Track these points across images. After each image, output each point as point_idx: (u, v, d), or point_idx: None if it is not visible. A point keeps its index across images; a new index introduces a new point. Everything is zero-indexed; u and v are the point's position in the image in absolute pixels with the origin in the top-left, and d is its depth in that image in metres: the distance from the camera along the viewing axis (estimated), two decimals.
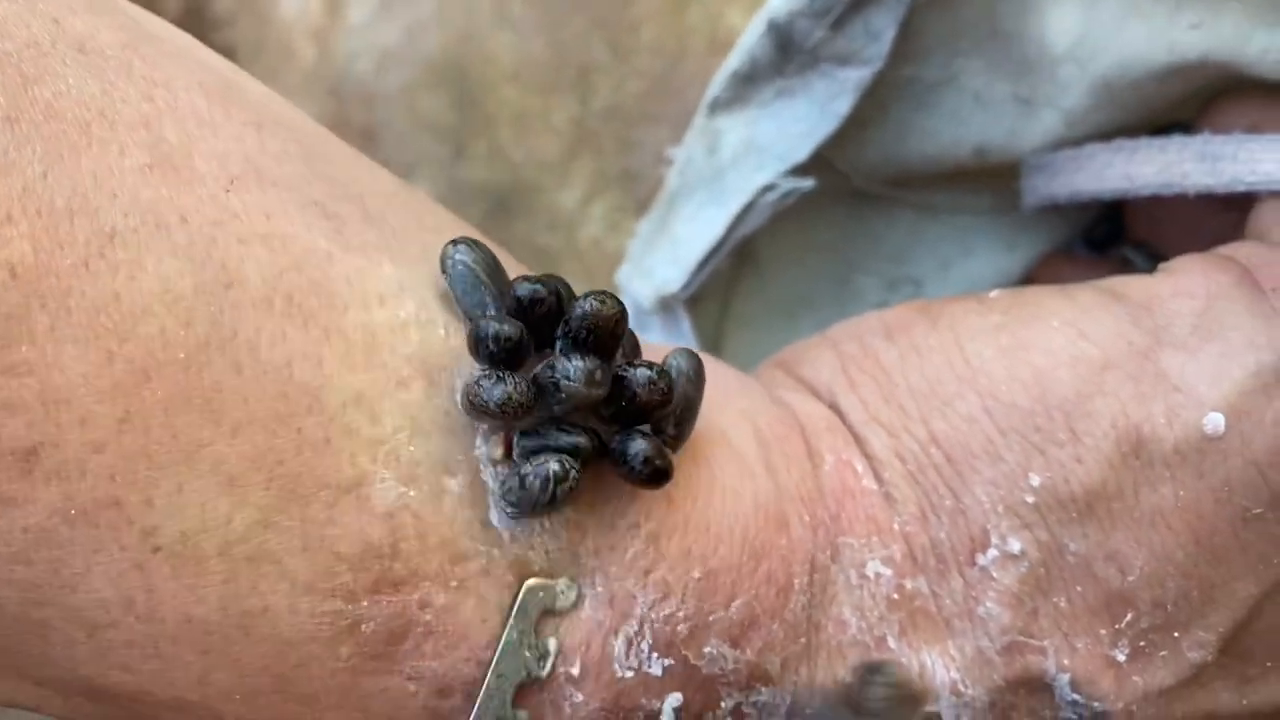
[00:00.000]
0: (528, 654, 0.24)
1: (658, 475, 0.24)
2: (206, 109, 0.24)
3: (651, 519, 0.25)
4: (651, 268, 0.36)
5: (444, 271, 0.25)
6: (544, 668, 0.24)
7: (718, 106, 0.35)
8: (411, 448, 0.23)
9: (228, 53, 0.73)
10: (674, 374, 0.25)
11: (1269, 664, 0.28)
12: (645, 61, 0.52)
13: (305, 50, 0.64)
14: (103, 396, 0.21)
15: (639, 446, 0.24)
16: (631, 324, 0.37)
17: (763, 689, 0.26)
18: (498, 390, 0.23)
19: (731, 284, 0.39)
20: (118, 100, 0.22)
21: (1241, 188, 0.29)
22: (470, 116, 0.57)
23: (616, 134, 0.54)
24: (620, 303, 0.24)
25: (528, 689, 0.24)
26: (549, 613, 0.24)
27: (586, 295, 0.24)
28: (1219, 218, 0.32)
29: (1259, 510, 0.26)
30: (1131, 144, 0.32)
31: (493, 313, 0.24)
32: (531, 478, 0.23)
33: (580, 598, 0.25)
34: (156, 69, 0.24)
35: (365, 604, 0.23)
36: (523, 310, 0.24)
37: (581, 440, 0.24)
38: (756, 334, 0.39)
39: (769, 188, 0.34)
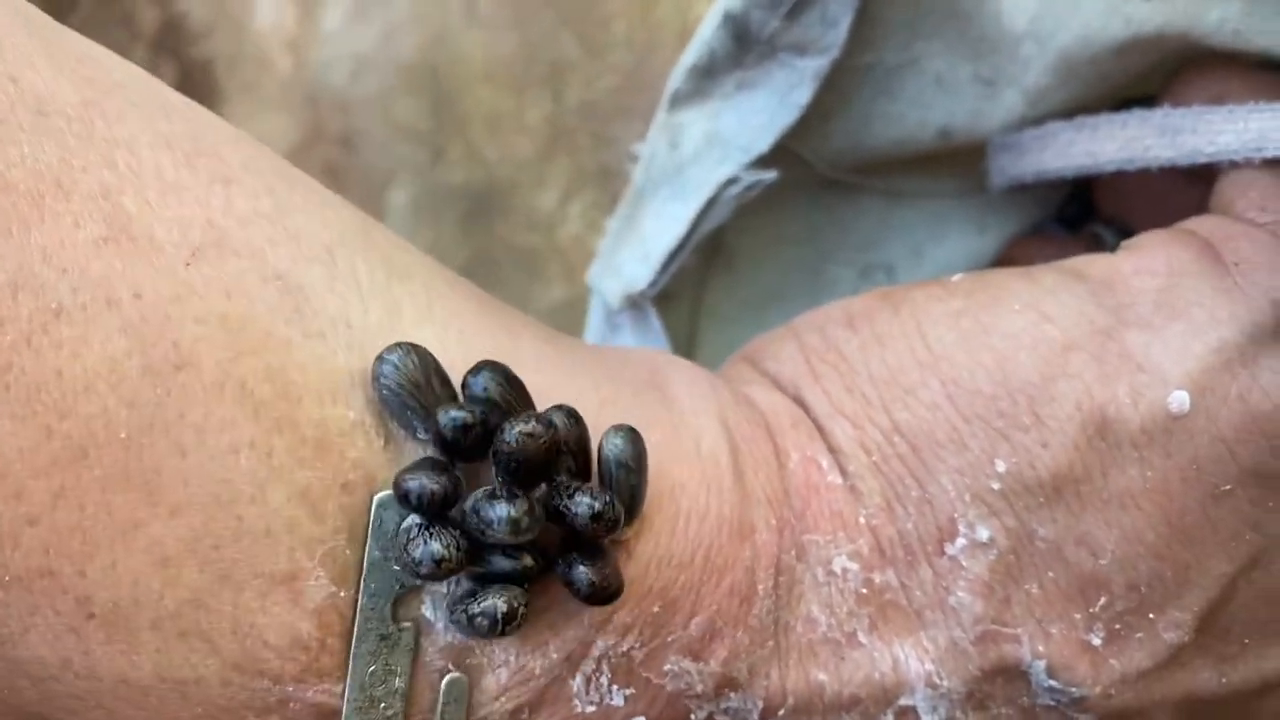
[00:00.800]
0: (396, 567, 0.24)
1: (605, 598, 0.24)
2: (172, 169, 0.23)
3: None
4: (620, 265, 0.36)
5: (373, 380, 0.24)
6: (420, 570, 0.24)
7: (678, 100, 0.34)
8: (348, 551, 0.23)
9: (205, 66, 0.74)
10: (613, 465, 0.25)
11: (1246, 641, 0.27)
12: (617, 56, 0.52)
13: (281, 60, 0.64)
14: (38, 472, 0.21)
15: (581, 574, 0.24)
16: (602, 324, 0.37)
17: (732, 695, 0.26)
18: (430, 549, 0.23)
19: (703, 280, 0.39)
20: (76, 169, 0.22)
21: (1202, 159, 0.29)
22: (445, 119, 0.57)
23: (591, 130, 0.53)
24: (551, 428, 0.23)
25: None
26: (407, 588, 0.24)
27: (514, 423, 0.23)
28: (1186, 192, 0.32)
29: (1228, 487, 0.26)
30: (1093, 120, 0.32)
31: (422, 449, 0.24)
32: (480, 619, 0.23)
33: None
34: (119, 126, 0.23)
35: (291, 689, 0.23)
36: (450, 443, 0.23)
37: (525, 563, 0.24)
38: (730, 329, 0.39)
39: (732, 181, 0.34)
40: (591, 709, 0.25)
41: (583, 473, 0.25)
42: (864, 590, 0.26)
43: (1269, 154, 0.28)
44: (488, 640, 0.24)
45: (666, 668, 0.25)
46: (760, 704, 0.26)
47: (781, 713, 0.26)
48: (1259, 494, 0.26)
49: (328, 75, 0.62)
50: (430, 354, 0.24)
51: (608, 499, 0.24)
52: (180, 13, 0.71)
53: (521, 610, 0.23)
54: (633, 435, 0.25)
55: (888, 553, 0.27)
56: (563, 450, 0.24)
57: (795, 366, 0.29)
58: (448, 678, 0.24)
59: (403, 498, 0.23)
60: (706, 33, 0.33)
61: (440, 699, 0.24)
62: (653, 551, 0.25)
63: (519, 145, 0.55)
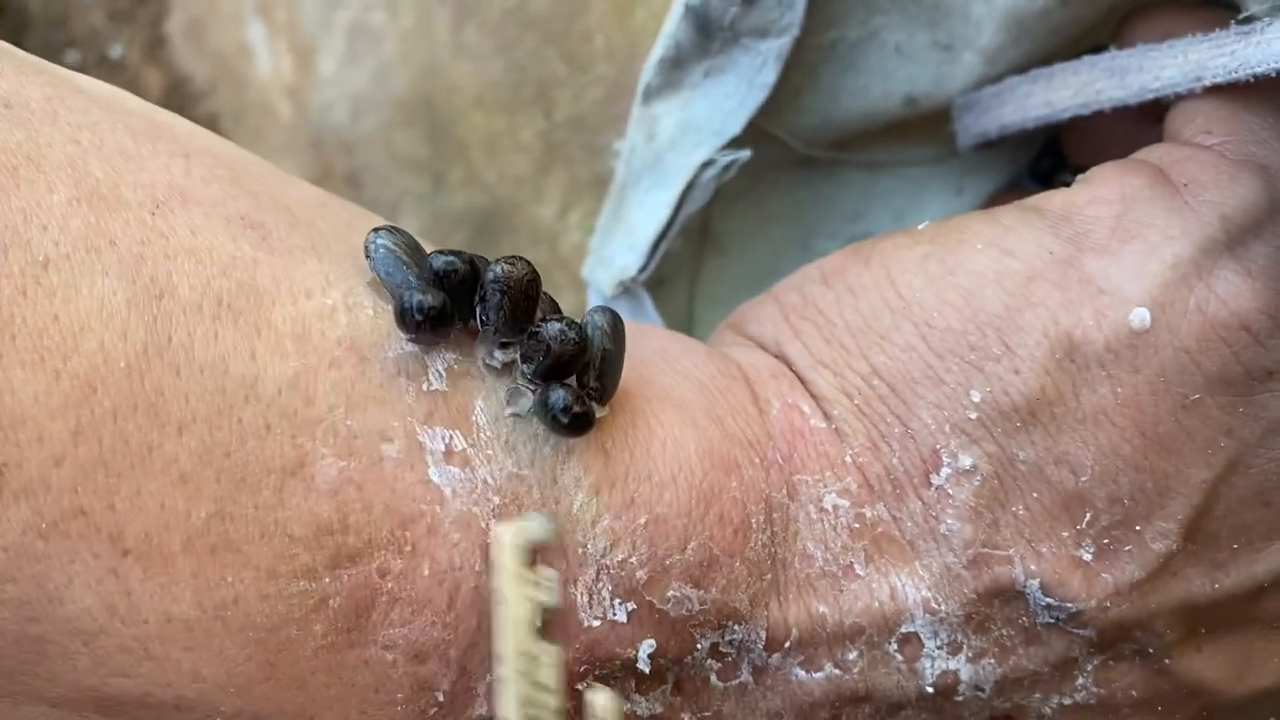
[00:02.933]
0: (530, 588, 0.25)
1: (578, 421, 0.26)
2: (134, 145, 0.26)
3: (591, 472, 0.26)
4: (610, 256, 0.37)
5: (367, 256, 0.26)
6: (551, 596, 0.25)
7: (651, 94, 0.36)
8: (349, 422, 0.25)
9: (211, 121, 0.76)
10: (590, 329, 0.27)
11: (1235, 546, 0.28)
12: (601, 68, 0.53)
13: (283, 108, 0.66)
14: (54, 413, 0.23)
15: (557, 395, 0.25)
16: None
17: (736, 626, 0.27)
18: (416, 298, 0.25)
19: (696, 266, 0.41)
20: (43, 145, 0.24)
21: (1149, 95, 0.30)
22: (443, 147, 0.59)
23: (583, 142, 0.55)
24: (530, 264, 0.26)
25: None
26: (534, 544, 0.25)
27: (497, 260, 0.25)
28: (1147, 133, 0.33)
29: (1197, 396, 0.27)
30: (1048, 71, 0.33)
31: (415, 286, 0.26)
32: (558, 414, 0.26)
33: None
34: (83, 115, 0.25)
35: (328, 580, 0.24)
36: (439, 281, 0.25)
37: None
38: (726, 310, 0.40)
39: (708, 163, 0.35)
40: (597, 623, 0.26)
41: None
42: (856, 525, 0.28)
43: (1208, 81, 0.29)
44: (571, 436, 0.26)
45: (669, 593, 0.26)
46: (764, 635, 0.27)
47: (787, 644, 0.27)
48: (1227, 400, 0.27)
49: (329, 117, 0.64)
50: (410, 234, 0.26)
51: (578, 325, 0.26)
52: (184, 74, 0.73)
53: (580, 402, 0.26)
54: (612, 313, 0.27)
55: (876, 488, 0.28)
56: (544, 301, 0.26)
57: (776, 326, 0.30)
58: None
59: (403, 314, 0.25)
60: (670, 26, 0.35)
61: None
62: (629, 463, 0.27)
63: (516, 164, 0.57)
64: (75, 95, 0.26)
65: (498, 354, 0.26)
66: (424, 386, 0.25)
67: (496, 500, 0.25)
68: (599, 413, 0.26)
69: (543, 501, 0.26)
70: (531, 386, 0.26)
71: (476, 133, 0.58)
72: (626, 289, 0.36)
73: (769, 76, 0.35)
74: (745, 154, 0.35)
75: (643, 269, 0.36)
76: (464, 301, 0.26)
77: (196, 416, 0.23)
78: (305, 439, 0.24)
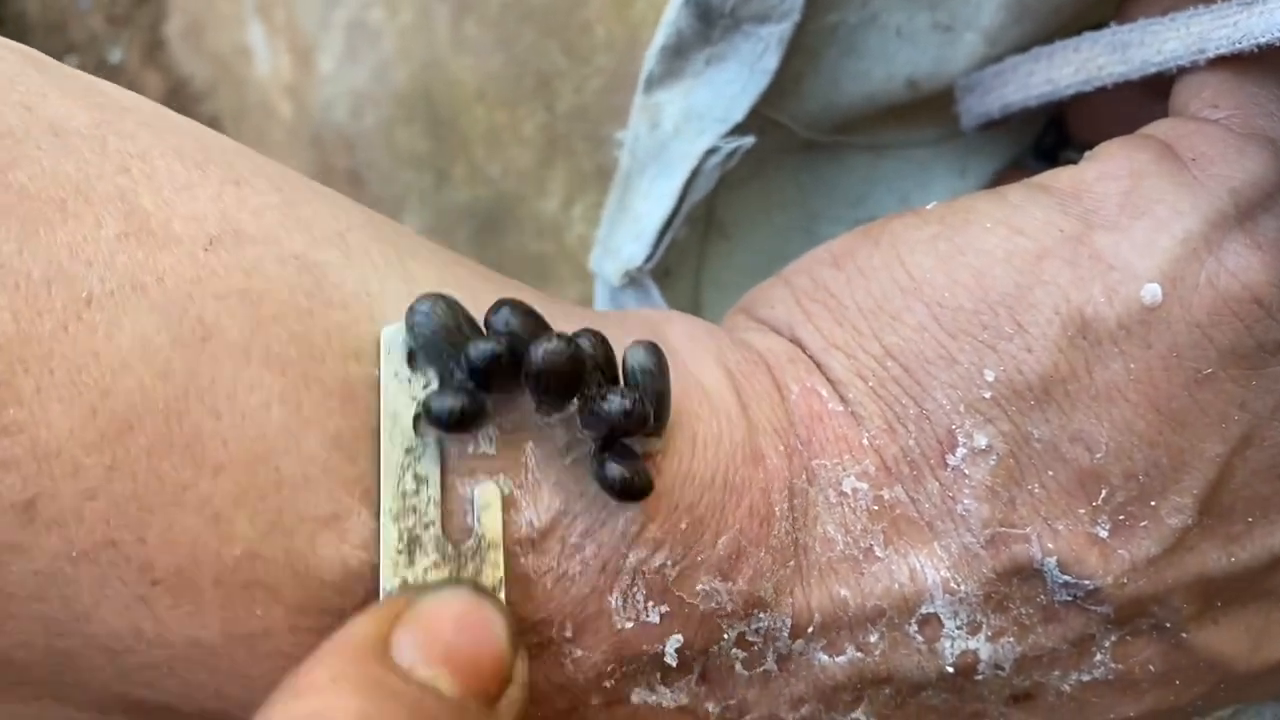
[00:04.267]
0: (410, 385, 0.25)
1: (636, 494, 0.25)
2: (184, 173, 0.25)
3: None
4: (618, 247, 0.37)
5: (409, 329, 0.25)
6: (430, 387, 0.25)
7: (653, 82, 0.36)
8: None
9: (213, 122, 0.76)
10: (638, 373, 0.26)
11: (1250, 519, 0.28)
12: (601, 59, 0.53)
13: (283, 107, 0.66)
14: (90, 448, 0.23)
15: (614, 471, 0.25)
16: (607, 305, 0.39)
17: (761, 615, 0.27)
18: (439, 404, 0.24)
19: (702, 253, 0.41)
20: (93, 177, 0.24)
21: (1151, 69, 0.30)
22: (446, 142, 0.59)
23: (585, 134, 0.55)
24: (569, 343, 0.25)
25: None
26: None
27: (538, 343, 0.24)
28: (1152, 108, 0.33)
29: (1209, 370, 0.27)
30: (1048, 49, 0.33)
31: (457, 375, 0.25)
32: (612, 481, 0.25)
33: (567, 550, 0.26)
34: (132, 142, 0.25)
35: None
36: (483, 373, 0.25)
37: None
38: (733, 297, 0.40)
39: (712, 150, 0.35)
40: (629, 624, 0.26)
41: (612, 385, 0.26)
42: (875, 507, 0.28)
43: (1210, 54, 0.29)
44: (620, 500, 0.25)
45: (699, 588, 0.27)
46: (789, 621, 0.27)
47: (810, 629, 0.28)
48: (1240, 373, 0.27)
49: (329, 115, 0.64)
50: (458, 301, 0.25)
51: (636, 395, 0.25)
52: (183, 76, 0.73)
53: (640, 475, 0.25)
54: (653, 347, 0.27)
55: (893, 470, 0.28)
56: (589, 366, 0.25)
57: (788, 309, 0.30)
58: (477, 487, 0.25)
59: (431, 417, 0.24)
60: (671, 14, 0.35)
61: (474, 507, 0.25)
62: (676, 468, 0.27)
63: (518, 158, 0.57)
64: (123, 118, 0.25)
65: (555, 414, 0.26)
66: (470, 449, 0.25)
67: (539, 539, 0.26)
68: (656, 445, 0.26)
69: (588, 531, 0.26)
70: (589, 436, 0.26)
71: (478, 127, 0.58)
72: (633, 279, 0.36)
73: (771, 62, 0.35)
74: (749, 140, 0.35)
75: (649, 258, 0.36)
76: (511, 379, 0.25)
77: (234, 460, 0.23)
78: (343, 495, 0.24)
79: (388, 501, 0.24)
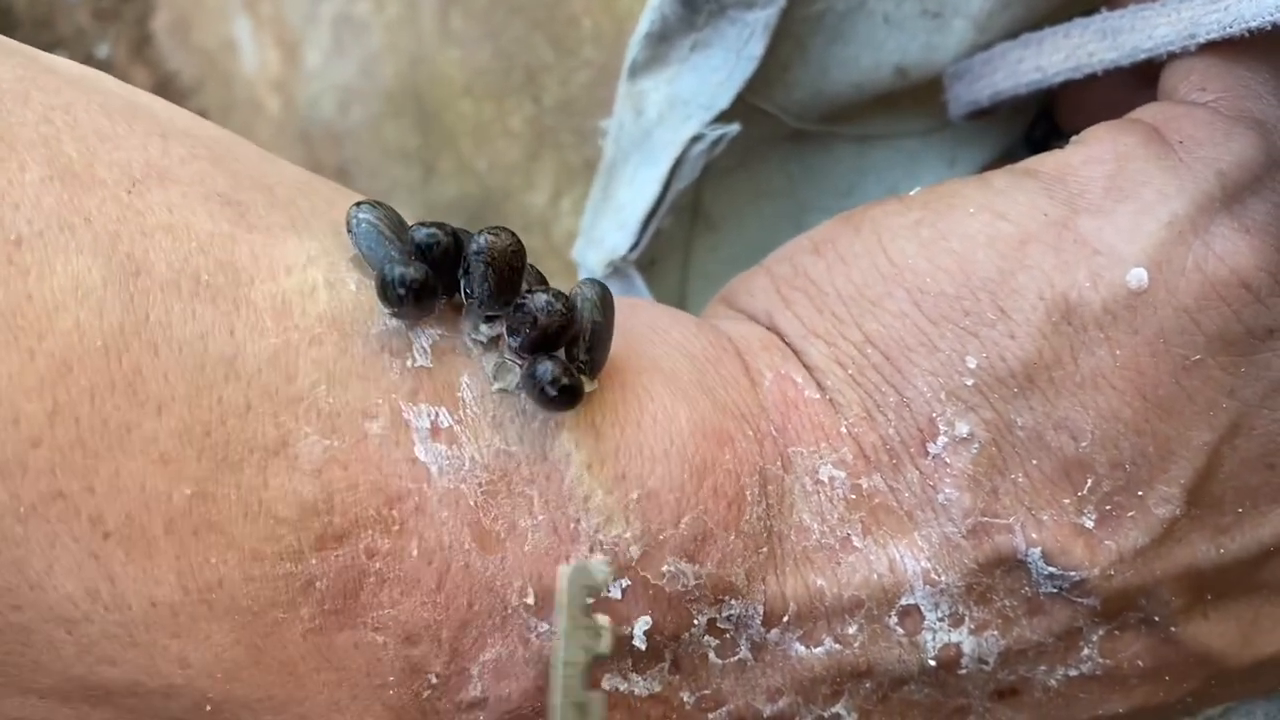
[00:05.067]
0: (585, 635, 0.25)
1: (566, 394, 0.25)
2: (109, 125, 0.25)
3: (581, 448, 0.26)
4: (601, 237, 0.37)
5: (349, 231, 0.26)
6: (602, 644, 0.25)
7: (637, 69, 0.35)
8: (330, 399, 0.24)
9: (200, 118, 0.75)
10: (579, 301, 0.26)
11: (1239, 510, 0.28)
12: (588, 52, 0.53)
13: (270, 102, 0.65)
14: (30, 393, 0.22)
15: (544, 367, 0.25)
16: None
17: (733, 601, 0.27)
18: (398, 270, 0.24)
19: (688, 243, 0.40)
20: (15, 124, 0.24)
21: (1142, 55, 0.30)
22: (433, 137, 0.59)
23: (573, 127, 0.55)
24: (514, 235, 0.25)
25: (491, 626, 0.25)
26: (592, 591, 0.25)
27: (481, 231, 0.25)
28: (1141, 96, 0.33)
29: (1197, 356, 0.26)
30: (1038, 36, 0.33)
31: (398, 259, 0.25)
32: (546, 386, 0.25)
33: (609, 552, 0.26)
34: (56, 96, 0.25)
35: (314, 561, 0.24)
36: (422, 254, 0.25)
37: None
38: (719, 288, 0.40)
39: (697, 138, 0.35)
40: (590, 601, 0.26)
41: None
42: (853, 496, 0.27)
43: (1201, 39, 0.28)
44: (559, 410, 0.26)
45: (664, 568, 0.26)
46: (761, 610, 0.27)
47: (786, 619, 0.27)
48: (1228, 360, 0.26)
49: (316, 110, 0.63)
50: (393, 209, 0.26)
51: (565, 296, 0.25)
52: (170, 72, 0.73)
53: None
54: (601, 285, 0.27)
55: (872, 458, 0.27)
56: (530, 267, 0.26)
57: (767, 297, 0.30)
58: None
59: (385, 287, 0.24)
60: (655, 0, 0.34)
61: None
62: (620, 438, 0.26)
63: (506, 151, 0.56)
64: (48, 76, 0.25)
65: (483, 328, 0.26)
66: (408, 363, 0.25)
67: (484, 477, 0.25)
68: (588, 387, 0.26)
69: (531, 478, 0.25)
70: (519, 361, 0.26)
71: (465, 121, 0.58)
72: (617, 269, 0.36)
73: (756, 48, 0.34)
74: (734, 128, 0.35)
75: (633, 248, 0.36)
76: (448, 275, 0.25)
77: (175, 395, 0.23)
78: (287, 417, 0.24)
79: None
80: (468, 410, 0.25)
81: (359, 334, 0.25)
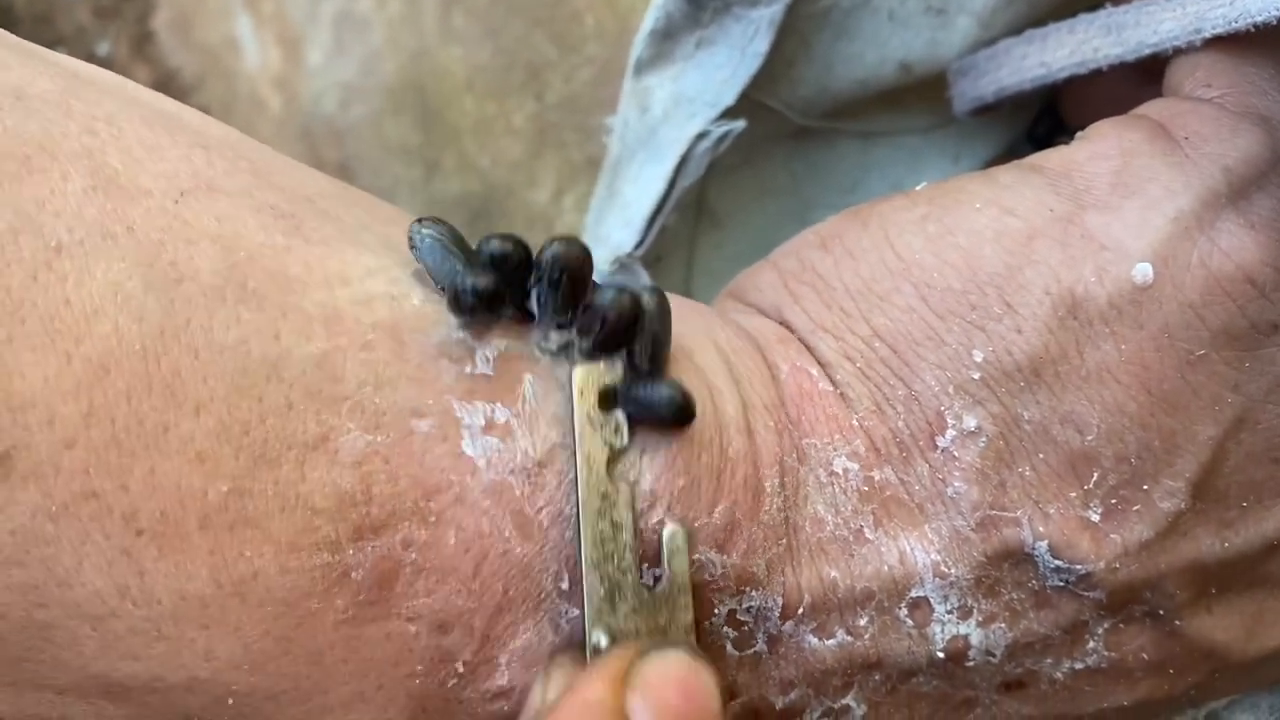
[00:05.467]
0: (602, 431, 0.26)
1: (688, 413, 0.26)
2: (151, 136, 0.25)
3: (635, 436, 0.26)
4: (606, 234, 0.37)
5: (413, 247, 0.26)
6: (622, 438, 0.26)
7: (642, 67, 0.36)
8: (377, 399, 0.24)
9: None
10: (644, 312, 0.26)
11: (1244, 504, 0.28)
12: (591, 49, 0.53)
13: (272, 99, 0.65)
14: (66, 395, 0.22)
15: (663, 391, 0.26)
16: None
17: (753, 593, 0.27)
18: (469, 280, 0.25)
19: (693, 241, 0.40)
20: (58, 135, 0.24)
21: (1147, 50, 0.30)
22: (435, 134, 0.59)
23: (575, 124, 0.55)
24: (583, 244, 0.25)
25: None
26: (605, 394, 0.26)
27: (551, 241, 0.25)
28: (1146, 92, 0.33)
29: (1202, 351, 0.26)
30: (1042, 32, 0.33)
31: (468, 269, 0.25)
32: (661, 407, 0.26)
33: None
34: (97, 107, 0.25)
35: (350, 552, 0.24)
36: (495, 266, 0.25)
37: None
38: (724, 285, 0.40)
39: (702, 135, 0.35)
40: None
41: None
42: (865, 488, 0.27)
43: (1207, 34, 0.28)
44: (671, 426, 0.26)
45: (695, 557, 0.26)
46: (780, 601, 0.27)
47: (800, 611, 0.27)
48: (1232, 355, 0.26)
49: (318, 108, 0.63)
50: (452, 225, 0.26)
51: (629, 291, 0.26)
52: (171, 69, 0.73)
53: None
54: (657, 290, 0.27)
55: (883, 451, 0.28)
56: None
57: (776, 292, 0.30)
58: (668, 530, 0.26)
59: (457, 297, 0.25)
60: None
61: (665, 550, 0.26)
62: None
63: (508, 149, 0.56)
64: (88, 88, 0.25)
65: (554, 335, 0.26)
66: (467, 369, 0.25)
67: (534, 469, 0.25)
68: None
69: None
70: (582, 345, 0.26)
71: (468, 118, 0.58)
72: (623, 265, 0.36)
73: (761, 45, 0.35)
74: (740, 124, 0.35)
75: (639, 245, 0.36)
76: (516, 286, 0.26)
77: (215, 396, 0.23)
78: (330, 415, 0.24)
79: (588, 549, 0.25)
80: (527, 405, 0.25)
81: (415, 342, 0.25)
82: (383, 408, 0.24)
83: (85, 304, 0.23)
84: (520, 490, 0.25)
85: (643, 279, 0.36)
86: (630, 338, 0.26)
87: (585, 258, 0.25)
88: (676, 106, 0.35)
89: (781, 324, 0.30)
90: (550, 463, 0.25)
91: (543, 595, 0.25)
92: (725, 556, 0.26)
